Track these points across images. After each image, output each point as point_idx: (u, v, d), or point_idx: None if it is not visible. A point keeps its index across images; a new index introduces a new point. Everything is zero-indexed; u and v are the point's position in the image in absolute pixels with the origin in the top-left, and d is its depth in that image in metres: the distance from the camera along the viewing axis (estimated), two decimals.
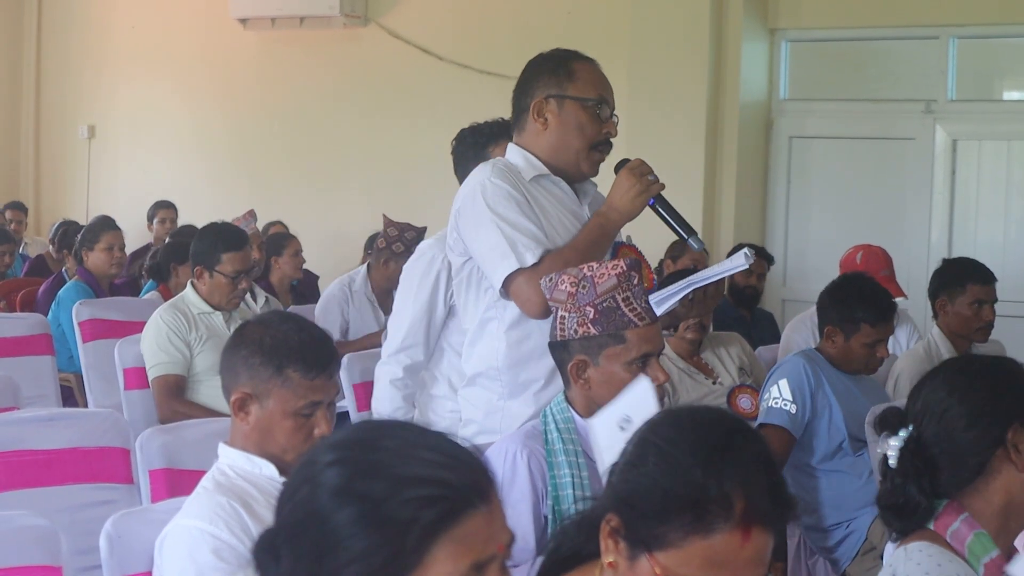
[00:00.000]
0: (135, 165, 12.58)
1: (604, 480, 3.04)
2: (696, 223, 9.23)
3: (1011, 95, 10.12)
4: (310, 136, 11.69)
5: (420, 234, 7.93)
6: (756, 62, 9.87)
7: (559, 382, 3.67)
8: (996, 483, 2.68)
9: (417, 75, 11.13)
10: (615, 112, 3.93)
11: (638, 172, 3.85)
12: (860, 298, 5.27)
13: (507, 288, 3.77)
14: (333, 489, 1.73)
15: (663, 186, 3.91)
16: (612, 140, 3.94)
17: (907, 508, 2.72)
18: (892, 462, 2.74)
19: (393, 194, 11.04)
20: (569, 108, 3.87)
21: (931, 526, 2.69)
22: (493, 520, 1.75)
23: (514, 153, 3.94)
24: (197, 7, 12.19)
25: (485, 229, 3.78)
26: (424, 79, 11.09)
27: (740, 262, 3.88)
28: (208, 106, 12.21)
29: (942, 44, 9.58)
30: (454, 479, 1.72)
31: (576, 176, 3.95)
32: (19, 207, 12.02)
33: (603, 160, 3.95)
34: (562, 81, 3.87)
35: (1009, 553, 2.71)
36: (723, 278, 4.04)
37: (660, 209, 3.93)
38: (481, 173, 3.86)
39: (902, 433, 2.74)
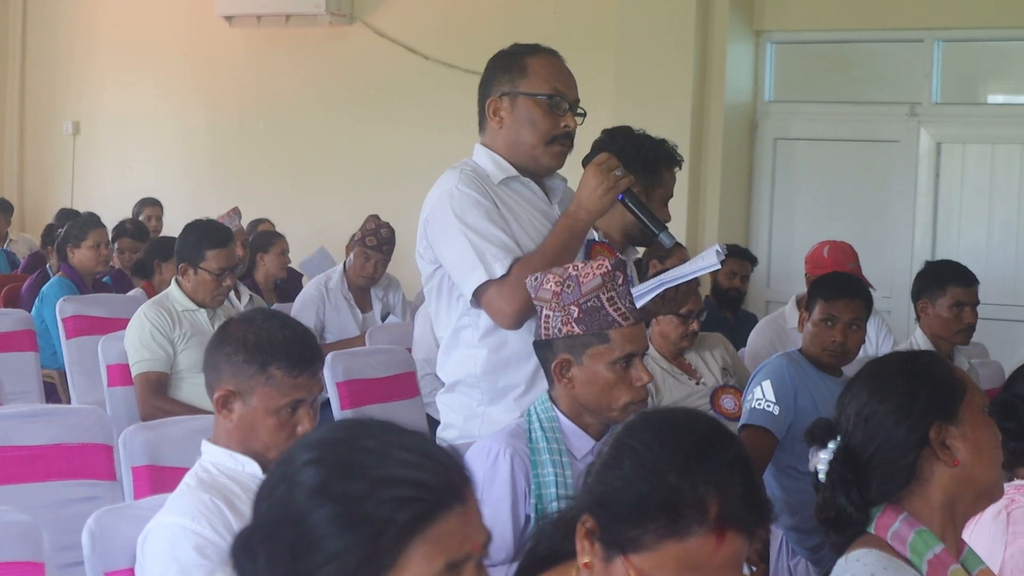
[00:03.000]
0: (120, 162, 12.56)
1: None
2: (680, 224, 9.26)
3: (995, 98, 10.13)
4: (295, 134, 11.69)
5: (394, 232, 7.99)
6: (741, 64, 9.88)
7: (539, 387, 3.67)
8: (931, 483, 2.66)
9: (402, 74, 11.13)
10: (580, 104, 3.88)
11: (605, 168, 3.77)
12: (823, 277, 5.33)
13: (478, 299, 3.75)
14: (310, 489, 1.73)
15: (632, 180, 3.85)
16: (571, 132, 3.87)
17: (840, 521, 2.70)
18: (821, 476, 2.73)
19: (377, 193, 11.03)
20: (521, 104, 3.83)
21: (872, 530, 2.67)
22: (468, 520, 1.74)
23: (481, 155, 3.91)
24: (183, 4, 12.18)
25: (453, 239, 3.75)
26: (409, 78, 11.09)
27: (712, 261, 3.85)
28: (193, 103, 12.20)
29: (927, 47, 9.60)
30: (430, 480, 1.72)
31: (541, 171, 3.91)
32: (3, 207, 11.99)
33: (565, 152, 3.89)
34: (515, 78, 3.83)
35: (958, 546, 2.71)
36: (696, 276, 4.01)
37: (630, 204, 3.87)
38: (449, 180, 3.82)
39: (831, 444, 2.72)
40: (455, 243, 3.74)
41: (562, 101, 3.83)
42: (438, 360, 4.02)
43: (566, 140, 3.87)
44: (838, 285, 5.33)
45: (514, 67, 3.85)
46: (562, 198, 3.97)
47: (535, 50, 3.90)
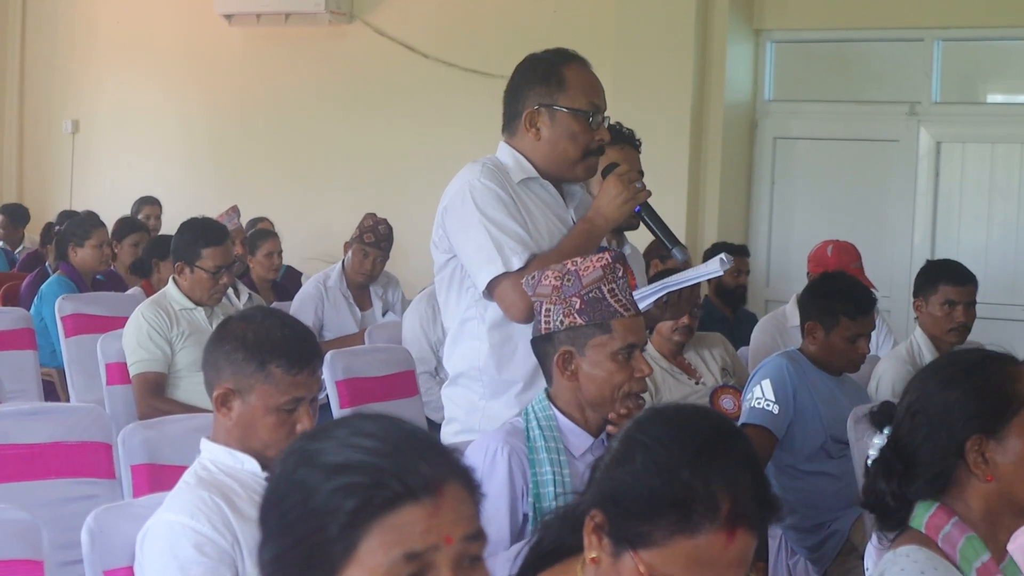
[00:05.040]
0: (119, 160, 12.55)
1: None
2: (680, 223, 9.26)
3: (995, 98, 10.13)
4: (294, 133, 11.68)
5: (392, 229, 7.99)
6: (741, 63, 9.88)
7: (541, 383, 3.67)
8: (968, 493, 2.64)
9: (402, 73, 11.12)
10: (606, 113, 3.92)
11: (626, 179, 3.85)
12: (838, 292, 5.31)
13: (491, 291, 3.78)
14: (278, 477, 1.75)
15: (650, 194, 3.92)
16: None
17: (879, 507, 2.71)
18: (869, 461, 2.72)
19: (377, 191, 11.03)
20: (561, 119, 3.86)
21: (923, 528, 2.66)
22: (439, 512, 1.68)
23: (505, 153, 3.94)
24: (182, 2, 12.17)
25: (473, 230, 3.79)
26: (409, 77, 11.09)
27: (715, 268, 3.89)
28: (193, 102, 12.19)
29: (927, 46, 9.59)
30: (387, 467, 1.68)
31: (573, 181, 3.98)
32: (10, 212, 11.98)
33: (598, 163, 3.95)
34: (553, 91, 3.85)
35: (1001, 555, 2.69)
36: (699, 282, 4.04)
37: (646, 217, 3.94)
38: (471, 172, 3.86)
39: (886, 430, 2.72)
40: (474, 234, 3.78)
41: (598, 115, 3.88)
42: (445, 350, 4.05)
43: (599, 153, 3.93)
44: (861, 302, 5.29)
45: (552, 79, 3.86)
46: (578, 204, 4.01)
47: (569, 59, 3.92)
